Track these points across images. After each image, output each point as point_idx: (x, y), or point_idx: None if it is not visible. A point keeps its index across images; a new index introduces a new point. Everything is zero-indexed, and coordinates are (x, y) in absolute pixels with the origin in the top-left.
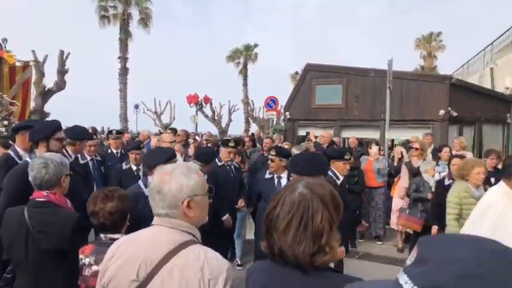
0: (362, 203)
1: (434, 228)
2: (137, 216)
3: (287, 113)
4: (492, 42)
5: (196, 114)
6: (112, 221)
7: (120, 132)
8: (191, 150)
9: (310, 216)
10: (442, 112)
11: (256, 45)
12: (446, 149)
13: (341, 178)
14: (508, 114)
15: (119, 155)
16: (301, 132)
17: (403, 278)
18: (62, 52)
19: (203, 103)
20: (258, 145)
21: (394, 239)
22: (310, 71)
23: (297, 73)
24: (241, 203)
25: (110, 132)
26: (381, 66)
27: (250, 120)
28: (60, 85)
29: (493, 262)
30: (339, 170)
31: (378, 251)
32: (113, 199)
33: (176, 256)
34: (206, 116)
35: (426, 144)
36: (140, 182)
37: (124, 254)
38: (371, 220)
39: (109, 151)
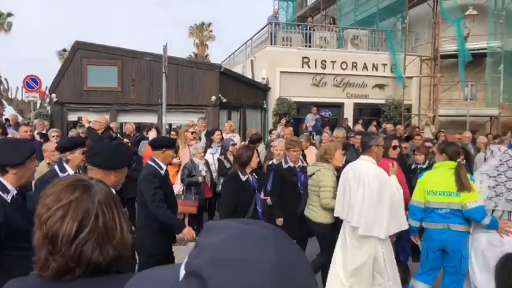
0: None
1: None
2: None
3: (53, 95)
4: (252, 38)
5: None
6: None
7: None
8: None
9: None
10: (213, 98)
11: (10, 14)
12: (217, 132)
13: (164, 167)
14: (264, 101)
15: None
16: (72, 117)
17: (184, 262)
18: None
19: None
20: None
21: None
22: (80, 49)
23: (65, 50)
24: None
25: None
26: (157, 51)
27: (5, 102)
28: None
29: (230, 247)
30: (159, 158)
31: None
32: None
33: None
34: None
35: (200, 128)
36: None
37: None
38: None
39: None
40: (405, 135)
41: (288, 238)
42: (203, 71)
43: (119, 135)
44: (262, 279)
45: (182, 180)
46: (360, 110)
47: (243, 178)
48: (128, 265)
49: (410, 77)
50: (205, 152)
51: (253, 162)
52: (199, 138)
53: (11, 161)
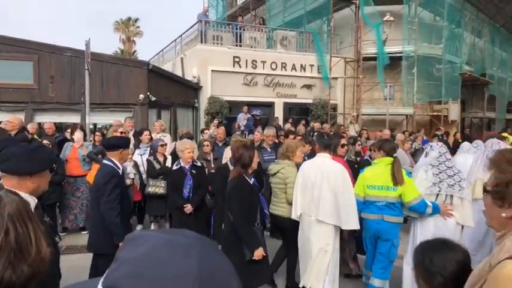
0: (65, 193)
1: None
2: None
3: None
4: (181, 35)
5: None
6: None
7: None
8: None
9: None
10: (141, 96)
11: None
12: (146, 132)
13: (121, 167)
14: (196, 99)
15: None
16: None
17: (103, 276)
18: None
19: None
20: None
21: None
22: None
23: None
24: None
25: None
26: (79, 46)
27: None
28: None
29: (150, 259)
30: (116, 158)
31: (84, 241)
32: None
33: None
34: None
35: (128, 128)
36: None
37: None
38: (77, 212)
39: None
40: (331, 133)
41: (213, 246)
42: (130, 68)
43: (35, 136)
44: None
45: None
46: (290, 109)
47: (250, 181)
48: (51, 281)
49: (336, 78)
50: (133, 153)
51: (255, 163)
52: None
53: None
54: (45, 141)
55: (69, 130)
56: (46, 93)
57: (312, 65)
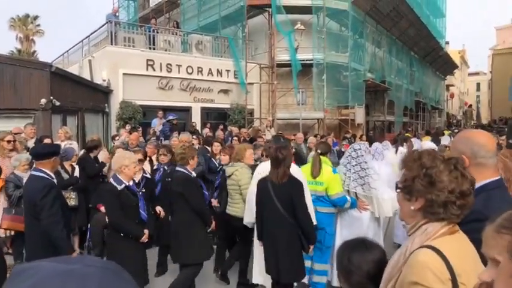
0: None
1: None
2: None
3: None
4: (89, 36)
5: None
6: None
7: None
8: None
9: None
10: (44, 101)
11: None
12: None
13: (54, 177)
14: (106, 104)
15: None
16: None
17: None
18: None
19: None
20: None
21: None
22: None
23: None
24: None
25: None
26: None
27: None
28: None
29: None
30: (48, 167)
31: None
32: None
33: None
34: None
35: (17, 137)
36: None
37: None
38: None
39: None
40: (249, 137)
41: (119, 273)
42: (29, 70)
43: None
44: None
45: (9, 196)
46: (207, 114)
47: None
48: None
49: (252, 83)
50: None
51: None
52: (26, 148)
53: None
54: None
55: None
56: None
57: (228, 70)
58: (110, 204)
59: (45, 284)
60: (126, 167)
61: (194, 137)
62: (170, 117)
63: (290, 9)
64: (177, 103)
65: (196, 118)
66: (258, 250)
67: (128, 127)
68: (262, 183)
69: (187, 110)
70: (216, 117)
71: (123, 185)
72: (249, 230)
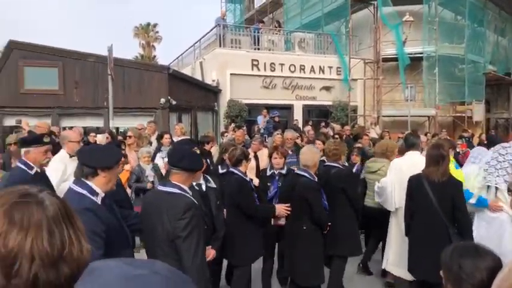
0: None
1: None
2: None
3: None
4: (200, 39)
5: None
6: None
7: None
8: None
9: None
10: (163, 100)
11: None
12: (167, 136)
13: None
14: (216, 103)
15: None
16: (9, 121)
17: None
18: None
19: None
20: None
21: None
22: (15, 49)
23: None
24: None
25: None
26: (102, 52)
27: None
28: None
29: None
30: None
31: None
32: None
33: None
34: None
35: (141, 132)
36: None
37: None
38: None
39: None
40: (352, 135)
41: (184, 285)
42: (151, 73)
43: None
44: None
45: (130, 186)
46: (309, 112)
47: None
48: None
49: (355, 80)
50: (155, 156)
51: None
52: (149, 142)
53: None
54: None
55: (92, 134)
56: (71, 98)
57: (330, 67)
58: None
59: (107, 284)
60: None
61: (297, 134)
62: (272, 115)
63: (397, 1)
64: (279, 101)
65: (298, 116)
66: (397, 243)
67: (232, 125)
68: (416, 180)
69: (289, 108)
70: (317, 114)
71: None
72: (385, 221)
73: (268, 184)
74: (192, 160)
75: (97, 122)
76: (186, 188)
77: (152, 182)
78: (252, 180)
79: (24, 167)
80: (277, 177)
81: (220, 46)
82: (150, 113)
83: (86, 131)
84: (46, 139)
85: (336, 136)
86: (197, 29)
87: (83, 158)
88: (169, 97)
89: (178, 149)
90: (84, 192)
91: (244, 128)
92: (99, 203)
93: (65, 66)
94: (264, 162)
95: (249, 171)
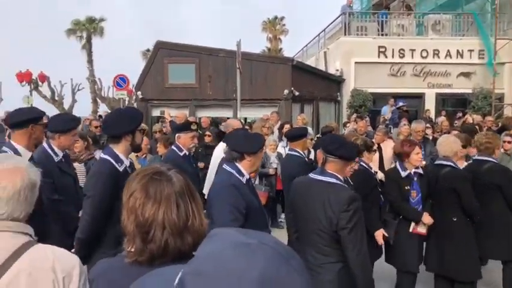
0: None
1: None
2: None
3: (139, 92)
4: (324, 29)
5: (31, 94)
6: None
7: None
8: None
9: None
10: (286, 91)
11: (102, 19)
12: (287, 126)
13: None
14: (338, 93)
15: None
16: (155, 112)
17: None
18: None
19: (38, 82)
20: None
21: None
22: (161, 48)
23: (148, 50)
24: None
25: None
26: (230, 47)
27: (99, 100)
28: None
29: (214, 260)
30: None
31: None
32: None
33: (20, 260)
34: (44, 97)
35: (273, 122)
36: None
37: None
38: None
39: None
40: (497, 127)
41: (290, 261)
42: (276, 65)
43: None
44: None
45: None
46: (443, 101)
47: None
48: None
49: (502, 63)
50: (277, 145)
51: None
52: (272, 132)
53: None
54: (207, 133)
55: (223, 124)
56: (205, 91)
57: (471, 50)
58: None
59: (221, 252)
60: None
61: (428, 125)
62: (400, 104)
63: None
64: (409, 89)
65: (429, 105)
66: None
67: (353, 116)
68: None
69: (419, 97)
70: (453, 104)
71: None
72: None
73: (407, 188)
74: (349, 148)
75: (227, 113)
76: (341, 178)
77: (275, 169)
78: (376, 173)
79: (176, 149)
80: (415, 178)
81: (345, 34)
82: (275, 103)
83: (217, 121)
84: (193, 127)
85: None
86: (323, 19)
87: (231, 144)
88: (292, 88)
89: (335, 137)
90: (233, 171)
91: (367, 118)
92: (244, 183)
93: (200, 62)
94: (388, 155)
95: (373, 163)
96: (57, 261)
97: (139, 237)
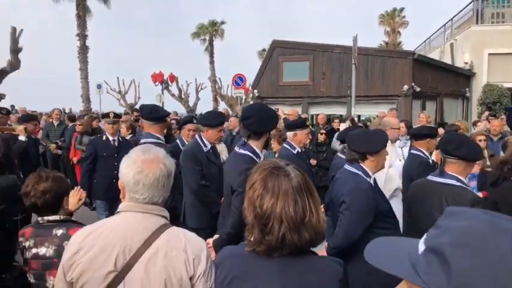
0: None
1: None
2: None
3: (255, 90)
4: (452, 18)
5: (162, 93)
6: (44, 201)
7: (118, 116)
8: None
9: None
10: (406, 87)
11: (223, 22)
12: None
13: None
14: (467, 89)
15: (116, 143)
16: None
17: (423, 238)
18: (14, 29)
19: (169, 82)
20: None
21: None
22: (276, 47)
23: (264, 50)
24: None
25: (106, 115)
26: (346, 43)
27: (219, 98)
28: (14, 64)
29: (478, 234)
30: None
31: None
32: (47, 180)
33: (158, 240)
34: (173, 95)
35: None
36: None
37: (95, 245)
38: None
39: (104, 138)
40: None
41: None
42: (394, 60)
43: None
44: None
45: None
46: None
47: None
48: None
49: None
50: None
51: None
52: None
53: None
54: (321, 131)
55: (336, 121)
56: (318, 88)
57: None
58: None
59: (478, 227)
60: None
61: None
62: None
63: None
64: None
65: None
66: None
67: (485, 114)
68: None
69: None
70: None
71: None
72: None
73: None
74: (470, 148)
75: (340, 110)
76: (464, 179)
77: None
78: None
79: (289, 147)
80: None
81: (476, 23)
82: (392, 100)
83: (331, 118)
84: (308, 123)
85: None
86: (449, 8)
87: (352, 145)
88: (412, 84)
89: (453, 136)
90: (360, 173)
91: (503, 117)
92: (373, 185)
93: (314, 59)
94: None
95: None
96: (188, 243)
97: (257, 228)
